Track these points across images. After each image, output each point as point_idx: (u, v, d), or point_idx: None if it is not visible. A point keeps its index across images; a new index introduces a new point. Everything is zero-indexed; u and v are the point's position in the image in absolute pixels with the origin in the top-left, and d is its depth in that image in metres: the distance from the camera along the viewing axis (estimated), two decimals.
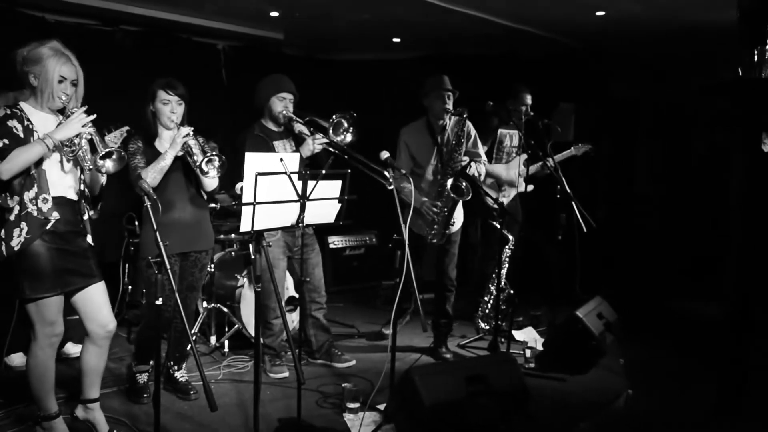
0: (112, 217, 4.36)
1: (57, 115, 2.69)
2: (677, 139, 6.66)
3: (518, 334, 4.59)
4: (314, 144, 3.54)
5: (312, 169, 2.81)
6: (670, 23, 5.15)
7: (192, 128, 3.17)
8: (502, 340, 4.20)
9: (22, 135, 2.56)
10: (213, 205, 4.05)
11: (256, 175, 2.54)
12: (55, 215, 2.62)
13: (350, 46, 6.53)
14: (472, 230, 4.85)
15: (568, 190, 4.36)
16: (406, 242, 2.99)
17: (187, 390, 3.46)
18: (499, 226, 4.42)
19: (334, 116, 3.42)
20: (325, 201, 2.85)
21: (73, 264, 2.68)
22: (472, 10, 4.97)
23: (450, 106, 4.08)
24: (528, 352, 4.06)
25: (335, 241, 6.07)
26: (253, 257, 2.73)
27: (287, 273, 4.09)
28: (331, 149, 3.52)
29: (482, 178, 4.28)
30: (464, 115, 4.03)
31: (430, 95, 4.13)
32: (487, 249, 4.88)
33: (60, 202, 2.65)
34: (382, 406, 3.24)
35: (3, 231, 2.59)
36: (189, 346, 3.51)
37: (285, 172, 2.65)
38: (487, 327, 4.68)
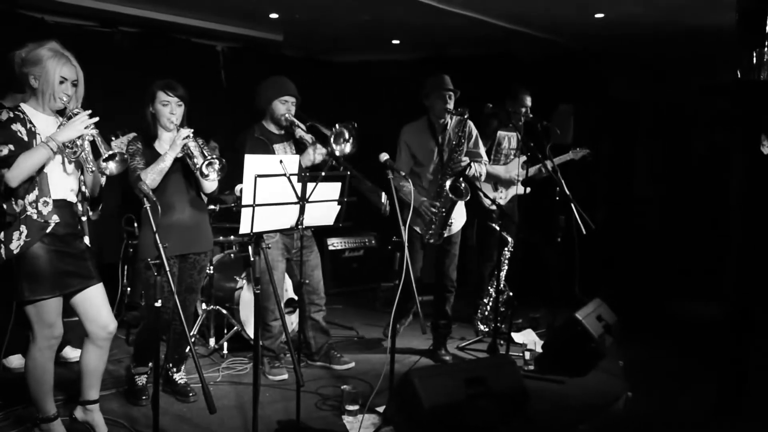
0: (110, 218, 4.36)
1: (57, 117, 2.68)
2: (677, 139, 6.66)
3: (517, 336, 4.58)
4: (314, 155, 3.56)
5: (311, 171, 2.81)
6: (670, 25, 5.15)
7: (192, 130, 3.15)
8: (502, 342, 4.19)
9: (26, 138, 2.55)
10: (212, 207, 4.04)
11: (255, 177, 2.54)
12: (55, 218, 2.61)
13: (350, 47, 6.53)
14: (470, 232, 4.85)
15: (567, 192, 4.36)
16: (406, 244, 2.99)
17: (186, 392, 3.45)
18: (498, 228, 4.41)
19: (336, 126, 3.38)
20: (325, 203, 2.85)
21: (72, 266, 2.67)
22: (472, 12, 4.97)
23: (451, 105, 4.08)
24: (527, 355, 4.05)
25: (334, 243, 6.06)
26: (252, 259, 2.72)
27: (286, 275, 4.08)
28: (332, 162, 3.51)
29: (483, 178, 4.28)
30: (465, 116, 4.03)
31: (431, 95, 4.12)
32: (484, 251, 4.88)
33: (60, 204, 2.64)
34: (381, 408, 3.23)
35: (3, 234, 2.58)
36: (188, 348, 3.49)
37: (284, 174, 2.64)
38: (487, 329, 4.67)
